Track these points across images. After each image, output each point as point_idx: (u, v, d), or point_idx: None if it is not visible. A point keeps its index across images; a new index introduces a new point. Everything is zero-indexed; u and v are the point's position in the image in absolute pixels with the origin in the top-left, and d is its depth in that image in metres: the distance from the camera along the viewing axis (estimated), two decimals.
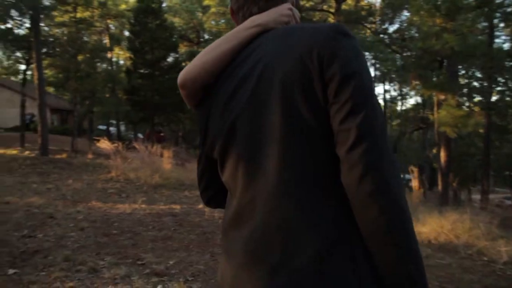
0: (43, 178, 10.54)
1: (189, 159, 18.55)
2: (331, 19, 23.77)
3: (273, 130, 0.98)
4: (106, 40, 28.11)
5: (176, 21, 29.49)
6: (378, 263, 0.90)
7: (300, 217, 0.96)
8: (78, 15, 21.79)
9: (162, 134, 28.51)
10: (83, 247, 4.93)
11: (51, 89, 31.19)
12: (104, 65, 29.20)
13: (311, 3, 22.10)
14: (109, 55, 27.61)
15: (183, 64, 23.89)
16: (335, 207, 0.93)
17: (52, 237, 5.27)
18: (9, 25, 17.73)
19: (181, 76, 1.16)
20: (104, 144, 12.89)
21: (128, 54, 25.49)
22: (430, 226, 6.89)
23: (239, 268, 1.02)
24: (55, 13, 21.14)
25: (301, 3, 20.92)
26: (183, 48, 29.82)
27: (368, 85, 0.94)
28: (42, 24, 20.24)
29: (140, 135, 24.73)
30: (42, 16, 17.44)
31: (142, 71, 22.96)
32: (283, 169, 0.97)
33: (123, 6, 26.34)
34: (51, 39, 19.67)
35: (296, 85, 0.95)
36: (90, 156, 16.71)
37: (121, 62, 33.53)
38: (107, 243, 5.22)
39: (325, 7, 24.18)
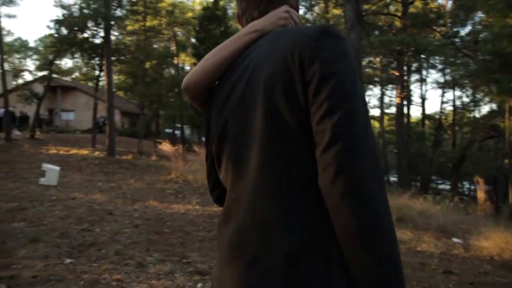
0: (108, 177, 11.19)
1: None
2: (397, 23, 23.07)
3: (256, 131, 1.01)
4: (173, 47, 29.34)
5: (240, 27, 30.06)
6: (351, 266, 0.89)
7: (276, 217, 0.97)
8: (147, 23, 22.97)
9: None
10: (135, 243, 5.19)
11: (121, 94, 33.08)
12: (172, 71, 30.45)
13: (374, 7, 21.56)
14: (175, 61, 28.73)
15: None
16: (312, 208, 0.92)
17: (108, 232, 5.59)
18: (86, 35, 19.13)
19: (184, 81, 1.24)
20: (166, 147, 13.43)
21: (193, 60, 26.37)
22: (494, 242, 6.44)
23: (223, 264, 1.06)
24: (127, 22, 22.49)
25: (365, 7, 20.52)
26: None
27: (348, 86, 0.92)
28: (115, 33, 21.64)
29: (204, 138, 25.38)
30: (114, 26, 18.64)
31: None
32: (262, 169, 0.99)
33: (190, 14, 27.34)
34: (122, 47, 20.86)
35: (278, 86, 0.96)
36: (154, 158, 17.48)
37: (187, 68, 34.76)
38: (157, 240, 5.45)
39: (391, 10, 23.55)
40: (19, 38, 48.45)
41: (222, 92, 1.14)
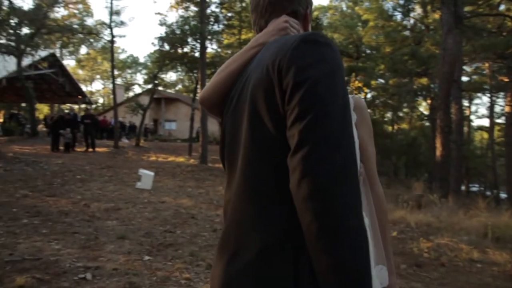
0: (198, 183, 11.81)
1: None
2: (509, 23, 21.09)
3: (242, 137, 1.09)
4: None
5: (336, 37, 29.84)
6: (315, 269, 0.90)
7: (253, 217, 1.04)
8: (243, 36, 23.87)
9: None
10: (210, 246, 5.44)
11: None
12: None
13: (481, 9, 19.97)
14: None
15: None
16: (287, 211, 0.95)
17: (188, 234, 5.93)
18: (185, 50, 20.47)
19: (200, 95, 1.38)
20: None
21: None
22: None
23: (215, 260, 1.16)
24: (223, 36, 23.62)
25: (470, 8, 19.12)
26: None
27: (320, 91, 0.94)
28: (214, 47, 22.79)
29: None
30: (211, 40, 19.72)
31: None
32: (245, 173, 1.08)
33: None
34: (217, 60, 21.93)
35: (260, 94, 1.03)
36: None
37: None
38: None
39: (502, 10, 21.62)
40: (131, 55, 53.19)
41: (228, 103, 1.24)
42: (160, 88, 31.18)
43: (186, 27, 18.34)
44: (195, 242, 5.58)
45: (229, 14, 22.78)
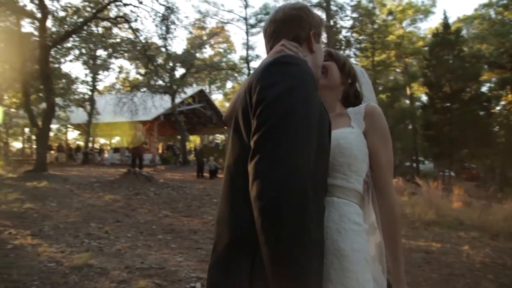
0: None
1: (483, 197, 16.56)
2: None
3: (229, 148, 1.34)
4: (402, 78, 28.79)
5: (484, 48, 27.25)
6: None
7: (227, 216, 1.27)
8: (376, 58, 23.48)
9: (473, 172, 26.29)
10: None
11: None
12: (407, 101, 29.80)
13: None
14: (408, 91, 28.10)
15: (490, 94, 21.79)
16: (250, 210, 1.08)
17: None
18: None
19: (224, 115, 1.67)
20: None
21: (425, 90, 25.32)
22: None
23: None
24: (358, 59, 23.55)
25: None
26: (490, 76, 27.11)
27: (276, 107, 1.10)
28: None
29: (451, 172, 23.38)
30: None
31: (438, 105, 22.31)
32: (225, 177, 1.33)
33: (420, 43, 26.52)
34: None
35: (240, 111, 1.28)
36: None
37: (424, 98, 33.32)
38: None
39: None
40: None
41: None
42: None
43: None
44: None
45: (361, 37, 22.71)
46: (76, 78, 26.56)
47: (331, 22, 19.65)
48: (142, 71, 23.44)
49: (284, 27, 1.49)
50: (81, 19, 14.83)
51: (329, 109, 1.74)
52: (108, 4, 15.10)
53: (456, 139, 20.72)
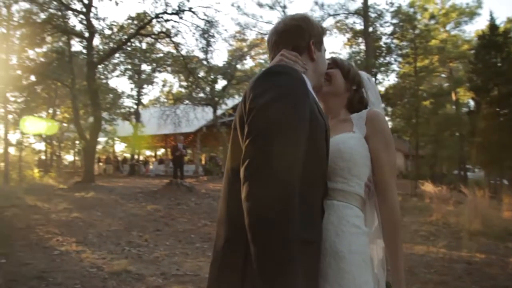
0: None
1: None
2: None
3: (228, 153, 1.45)
4: (447, 84, 27.86)
5: None
6: None
7: (225, 215, 1.37)
8: (419, 64, 22.87)
9: None
10: None
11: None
12: (453, 107, 28.82)
13: None
14: (453, 97, 27.16)
15: None
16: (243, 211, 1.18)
17: None
18: None
19: None
20: (428, 187, 12.91)
21: (471, 95, 24.38)
22: None
23: None
24: (401, 66, 23.10)
25: None
26: None
27: (264, 115, 1.20)
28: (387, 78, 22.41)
29: (504, 180, 22.24)
30: (382, 72, 19.54)
31: (486, 110, 21.37)
32: (224, 180, 1.43)
33: (465, 47, 25.62)
34: (390, 91, 21.47)
35: (237, 118, 1.38)
36: (427, 200, 16.81)
37: (472, 103, 32.02)
38: None
39: None
40: None
41: None
42: None
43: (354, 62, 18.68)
44: None
45: (402, 43, 22.24)
46: (122, 92, 27.69)
47: (370, 29, 19.47)
48: (185, 84, 24.09)
49: (284, 37, 1.58)
50: (125, 36, 15.52)
51: (333, 115, 1.80)
52: (150, 20, 15.73)
53: (506, 145, 19.74)
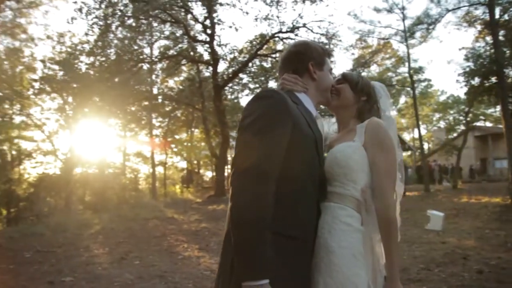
0: (502, 225, 10.50)
1: None
2: None
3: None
4: None
5: None
6: None
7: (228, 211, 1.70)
8: None
9: None
10: (462, 286, 5.18)
11: None
12: None
13: None
14: None
15: None
16: None
17: (446, 273, 5.75)
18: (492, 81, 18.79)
19: None
20: None
21: None
22: None
23: None
24: None
25: None
26: None
27: (245, 134, 1.54)
28: None
29: None
30: None
31: None
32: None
33: None
34: None
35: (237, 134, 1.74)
36: None
37: None
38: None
39: None
40: (452, 95, 51.01)
41: None
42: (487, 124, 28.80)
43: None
44: (448, 281, 5.40)
45: None
46: None
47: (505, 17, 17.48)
48: None
49: (286, 63, 1.89)
50: (245, 58, 16.72)
51: (343, 125, 2.02)
52: (267, 41, 16.64)
53: None
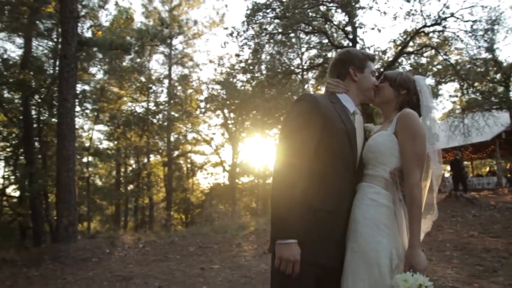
0: None
1: None
2: None
3: None
4: None
5: None
6: None
7: None
8: None
9: None
10: None
11: None
12: None
13: None
14: None
15: None
16: None
17: None
18: None
19: None
20: None
21: None
22: None
23: None
24: None
25: None
26: None
27: (283, 130, 2.02)
28: None
29: None
30: None
31: None
32: None
33: None
34: None
35: None
36: None
37: None
38: None
39: None
40: None
41: None
42: None
43: None
44: None
45: None
46: None
47: None
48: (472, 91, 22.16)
49: (332, 69, 2.28)
50: (390, 59, 16.19)
51: (386, 117, 2.26)
52: (410, 39, 15.86)
53: None
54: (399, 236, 1.96)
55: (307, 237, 1.87)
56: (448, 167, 24.04)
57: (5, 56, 16.23)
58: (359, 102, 2.22)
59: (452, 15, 14.54)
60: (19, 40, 17.40)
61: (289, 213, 1.82)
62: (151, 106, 24.94)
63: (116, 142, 24.41)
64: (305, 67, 21.62)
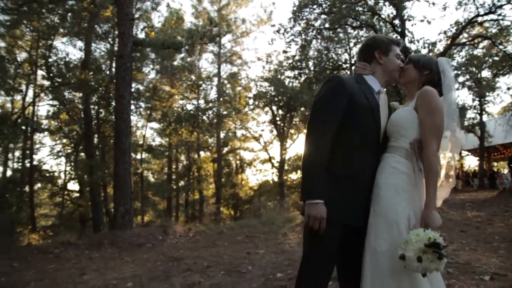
0: None
1: None
2: None
3: None
4: None
5: None
6: None
7: None
8: None
9: None
10: None
11: None
12: None
13: None
14: None
15: None
16: None
17: None
18: None
19: None
20: None
21: None
22: None
23: None
24: None
25: None
26: None
27: (313, 111, 2.27)
28: None
29: None
30: None
31: None
32: None
33: None
34: None
35: None
36: None
37: None
38: None
39: None
40: None
41: None
42: None
43: None
44: None
45: None
46: (463, 105, 26.72)
47: None
48: None
49: (360, 54, 2.56)
50: (440, 51, 15.75)
51: (409, 96, 2.47)
52: (462, 30, 15.33)
53: None
54: (418, 201, 2.15)
55: (332, 199, 2.11)
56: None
57: (67, 59, 17.48)
58: (385, 82, 2.46)
59: (508, 2, 13.91)
60: (80, 43, 18.71)
61: (317, 177, 2.09)
62: (201, 103, 25.66)
63: (167, 139, 25.36)
64: (353, 62, 21.45)
